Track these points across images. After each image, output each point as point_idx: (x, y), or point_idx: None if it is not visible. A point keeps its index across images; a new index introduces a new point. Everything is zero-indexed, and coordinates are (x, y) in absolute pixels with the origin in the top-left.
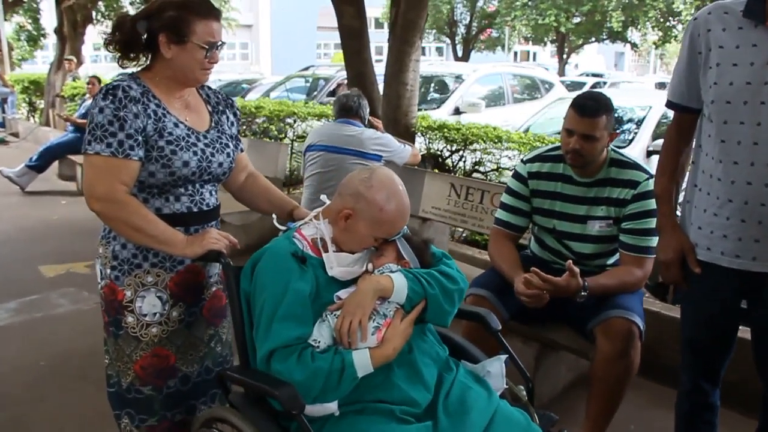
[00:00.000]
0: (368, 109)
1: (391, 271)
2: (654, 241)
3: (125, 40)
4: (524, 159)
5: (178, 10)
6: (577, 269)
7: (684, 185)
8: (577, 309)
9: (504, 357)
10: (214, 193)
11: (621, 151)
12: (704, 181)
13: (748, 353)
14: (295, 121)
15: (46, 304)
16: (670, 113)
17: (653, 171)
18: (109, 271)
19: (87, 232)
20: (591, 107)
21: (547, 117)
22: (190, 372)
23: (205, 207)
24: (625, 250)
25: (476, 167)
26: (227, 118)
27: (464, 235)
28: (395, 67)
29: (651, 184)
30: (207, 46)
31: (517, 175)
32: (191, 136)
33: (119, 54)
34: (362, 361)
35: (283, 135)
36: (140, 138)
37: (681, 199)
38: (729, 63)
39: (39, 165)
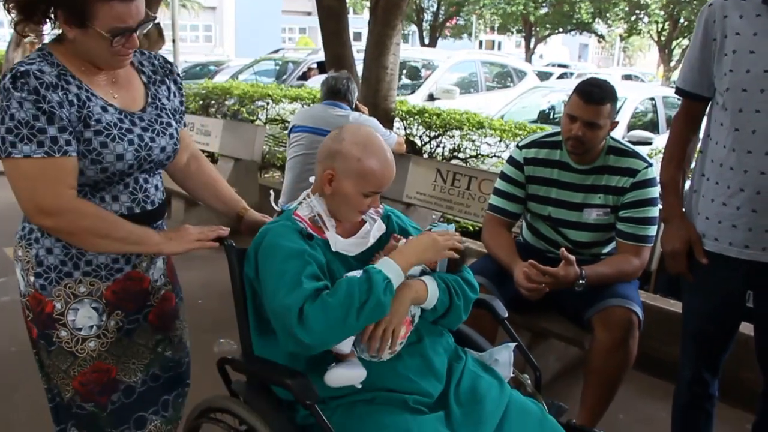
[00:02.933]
0: (356, 94)
1: (424, 272)
2: (652, 230)
3: (23, 2)
4: (520, 144)
5: None
6: (572, 257)
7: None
8: (573, 298)
9: (512, 345)
10: (160, 186)
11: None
12: (713, 171)
13: (742, 348)
14: (268, 104)
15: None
16: (642, 106)
17: None
18: (32, 278)
19: None
20: (597, 94)
21: (521, 106)
22: (134, 382)
23: (150, 206)
24: (623, 239)
25: (454, 154)
26: (167, 88)
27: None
28: (376, 51)
29: (650, 173)
30: (112, 35)
31: (512, 161)
32: (124, 121)
33: (18, 18)
34: (386, 262)
35: (254, 118)
36: (72, 129)
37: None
38: (746, 50)
39: None
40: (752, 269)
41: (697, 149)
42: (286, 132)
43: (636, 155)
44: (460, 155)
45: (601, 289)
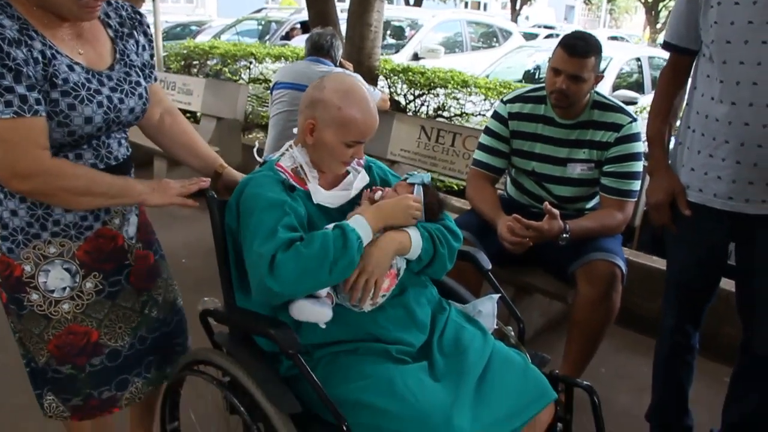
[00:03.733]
0: (341, 51)
1: None
2: (636, 184)
3: None
4: (504, 99)
5: None
6: (556, 211)
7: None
8: (556, 252)
9: (496, 296)
10: (123, 142)
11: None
12: (699, 123)
13: (723, 303)
14: (251, 63)
15: None
16: (628, 66)
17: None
18: None
19: None
20: (581, 47)
21: (506, 65)
22: (121, 346)
23: (113, 161)
24: (607, 194)
25: (439, 112)
26: (135, 42)
27: None
28: (359, 8)
29: (634, 128)
30: None
31: (497, 116)
32: (92, 81)
33: None
34: (358, 220)
35: (237, 77)
36: (39, 88)
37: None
38: (731, 2)
39: None
40: (735, 221)
41: (684, 103)
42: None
43: (620, 110)
44: (445, 114)
45: (584, 243)
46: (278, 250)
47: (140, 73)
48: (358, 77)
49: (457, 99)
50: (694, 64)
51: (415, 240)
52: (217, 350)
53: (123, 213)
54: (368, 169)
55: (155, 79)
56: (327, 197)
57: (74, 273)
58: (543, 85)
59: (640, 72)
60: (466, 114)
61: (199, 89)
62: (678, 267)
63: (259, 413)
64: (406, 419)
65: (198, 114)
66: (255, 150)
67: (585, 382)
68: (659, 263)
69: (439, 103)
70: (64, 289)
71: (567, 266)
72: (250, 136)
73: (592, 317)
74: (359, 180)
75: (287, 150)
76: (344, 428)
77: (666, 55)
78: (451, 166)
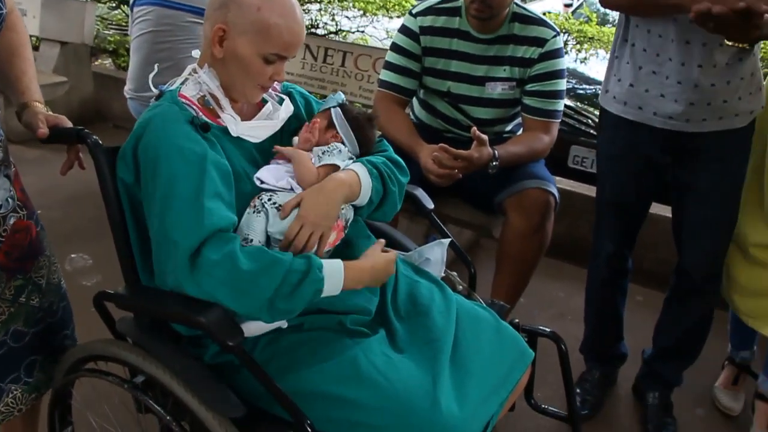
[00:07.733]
0: None
1: (351, 158)
2: (560, 104)
3: None
4: (414, 11)
5: None
6: (485, 137)
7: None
8: (481, 181)
9: (446, 241)
10: None
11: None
12: (640, 36)
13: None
14: None
15: None
16: None
17: None
18: None
19: None
20: None
21: None
22: None
23: None
24: (530, 114)
25: (312, 30)
26: None
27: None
28: None
29: (558, 42)
30: None
31: (406, 30)
32: None
33: None
34: (333, 271)
35: None
36: None
37: None
38: None
39: None
40: (673, 140)
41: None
42: (129, 6)
43: (543, 23)
44: (319, 32)
45: (512, 170)
46: (205, 244)
47: None
48: None
49: (333, 15)
50: None
51: (365, 181)
52: (120, 341)
53: None
54: (288, 95)
55: None
56: (248, 129)
57: None
58: None
59: None
60: (343, 31)
61: (35, 9)
62: (611, 186)
63: (183, 412)
64: (385, 410)
65: (37, 39)
66: (150, 81)
67: (549, 330)
68: (563, 183)
69: (311, 20)
70: None
71: (493, 196)
72: (97, 62)
73: (524, 249)
74: (283, 109)
75: (191, 74)
76: (307, 428)
77: None
78: (343, 88)
